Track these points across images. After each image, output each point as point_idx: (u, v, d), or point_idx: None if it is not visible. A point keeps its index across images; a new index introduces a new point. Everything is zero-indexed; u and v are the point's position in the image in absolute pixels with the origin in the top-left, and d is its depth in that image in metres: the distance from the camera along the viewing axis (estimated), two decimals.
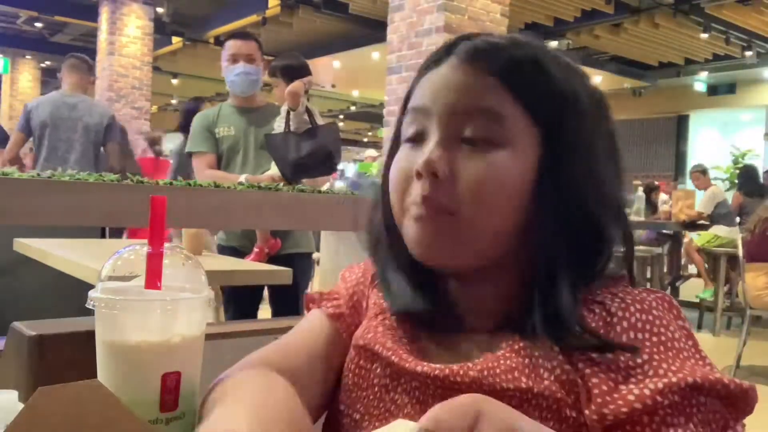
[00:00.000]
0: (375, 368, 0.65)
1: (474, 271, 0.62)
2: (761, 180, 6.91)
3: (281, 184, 2.15)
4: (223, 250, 2.67)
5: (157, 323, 0.54)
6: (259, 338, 1.19)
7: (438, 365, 0.59)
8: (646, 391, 0.52)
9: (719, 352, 4.44)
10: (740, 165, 9.91)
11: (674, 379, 0.52)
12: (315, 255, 2.90)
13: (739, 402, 0.53)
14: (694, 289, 6.33)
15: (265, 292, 2.78)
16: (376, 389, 0.64)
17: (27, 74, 13.89)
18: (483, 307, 0.63)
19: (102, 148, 4.25)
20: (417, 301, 0.64)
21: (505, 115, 0.59)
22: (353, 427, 0.64)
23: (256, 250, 2.54)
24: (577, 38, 9.77)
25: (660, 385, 0.52)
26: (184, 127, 3.94)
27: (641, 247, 6.13)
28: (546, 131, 0.60)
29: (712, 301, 5.71)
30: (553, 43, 8.48)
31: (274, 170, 2.44)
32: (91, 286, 0.56)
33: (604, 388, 0.53)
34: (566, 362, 0.56)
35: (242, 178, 2.44)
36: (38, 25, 11.65)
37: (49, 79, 13.57)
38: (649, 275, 6.05)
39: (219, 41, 10.12)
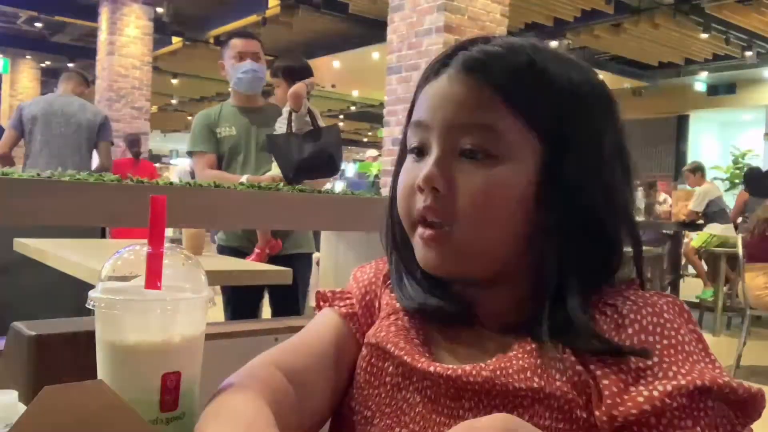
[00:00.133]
0: (387, 367, 0.65)
1: (484, 278, 0.63)
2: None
3: (281, 184, 2.15)
4: (223, 250, 2.66)
5: (157, 323, 0.54)
6: (259, 338, 1.19)
7: (450, 365, 0.60)
8: (655, 393, 0.52)
9: (719, 352, 4.36)
10: (740, 165, 9.89)
11: (683, 382, 0.52)
12: (315, 255, 2.90)
13: (748, 406, 0.53)
14: (694, 289, 6.34)
15: (265, 293, 2.78)
16: (388, 387, 0.64)
17: (27, 74, 13.86)
18: (495, 310, 0.64)
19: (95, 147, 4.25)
20: (430, 300, 0.65)
21: (502, 129, 0.59)
22: (364, 425, 0.65)
23: (257, 251, 2.54)
24: (577, 38, 9.75)
25: (669, 388, 0.52)
26: None
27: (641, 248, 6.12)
28: (547, 138, 0.60)
29: (712, 301, 5.71)
30: (553, 43, 8.45)
31: (275, 171, 2.44)
32: (91, 286, 0.56)
33: (615, 389, 0.54)
34: (578, 363, 0.56)
35: (243, 178, 2.44)
36: (38, 25, 11.63)
37: (49, 79, 13.54)
38: (649, 275, 6.03)
39: (219, 41, 10.10)
